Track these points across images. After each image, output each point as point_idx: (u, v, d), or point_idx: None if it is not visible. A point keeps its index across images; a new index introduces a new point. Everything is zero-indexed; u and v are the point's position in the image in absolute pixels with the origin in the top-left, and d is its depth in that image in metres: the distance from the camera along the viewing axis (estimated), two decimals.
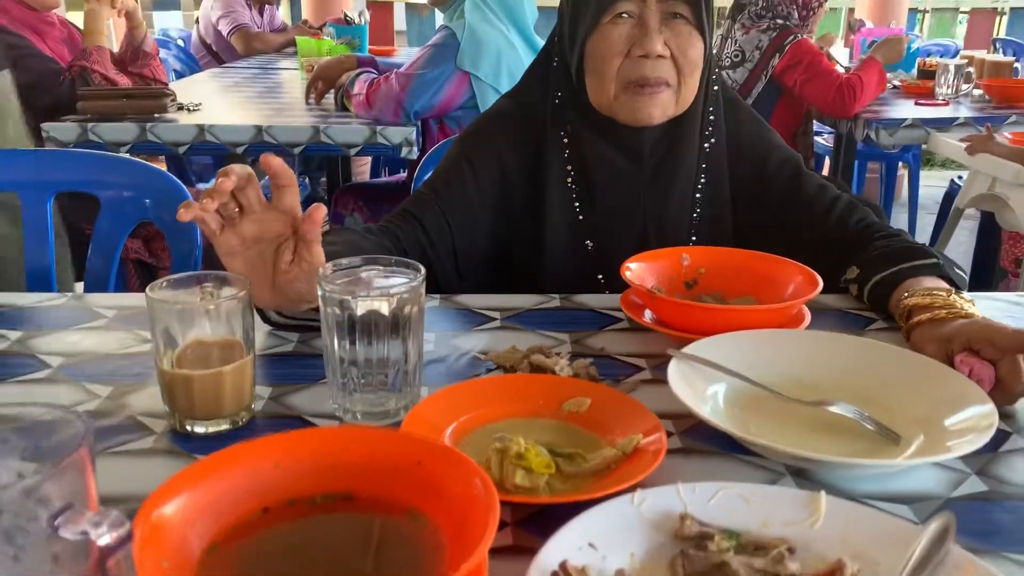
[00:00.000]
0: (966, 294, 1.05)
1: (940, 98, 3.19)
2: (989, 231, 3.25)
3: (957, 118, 2.93)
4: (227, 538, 0.61)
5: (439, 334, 1.07)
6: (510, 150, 1.32)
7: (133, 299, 1.18)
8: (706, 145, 1.32)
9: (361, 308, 0.83)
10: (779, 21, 2.99)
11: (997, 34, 6.81)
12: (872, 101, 3.02)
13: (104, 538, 0.43)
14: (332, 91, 2.74)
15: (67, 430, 0.48)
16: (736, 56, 3.03)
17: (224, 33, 4.54)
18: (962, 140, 2.62)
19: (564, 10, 1.31)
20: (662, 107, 1.23)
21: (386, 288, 0.85)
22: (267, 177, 0.93)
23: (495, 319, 1.13)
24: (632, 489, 0.69)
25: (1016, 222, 2.54)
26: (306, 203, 3.84)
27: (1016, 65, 3.47)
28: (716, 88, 1.33)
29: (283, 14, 6.38)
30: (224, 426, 0.84)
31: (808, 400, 0.86)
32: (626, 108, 1.23)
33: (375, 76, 2.57)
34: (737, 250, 1.17)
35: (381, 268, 0.90)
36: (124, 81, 2.79)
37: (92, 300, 1.18)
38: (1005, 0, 7.01)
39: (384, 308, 0.83)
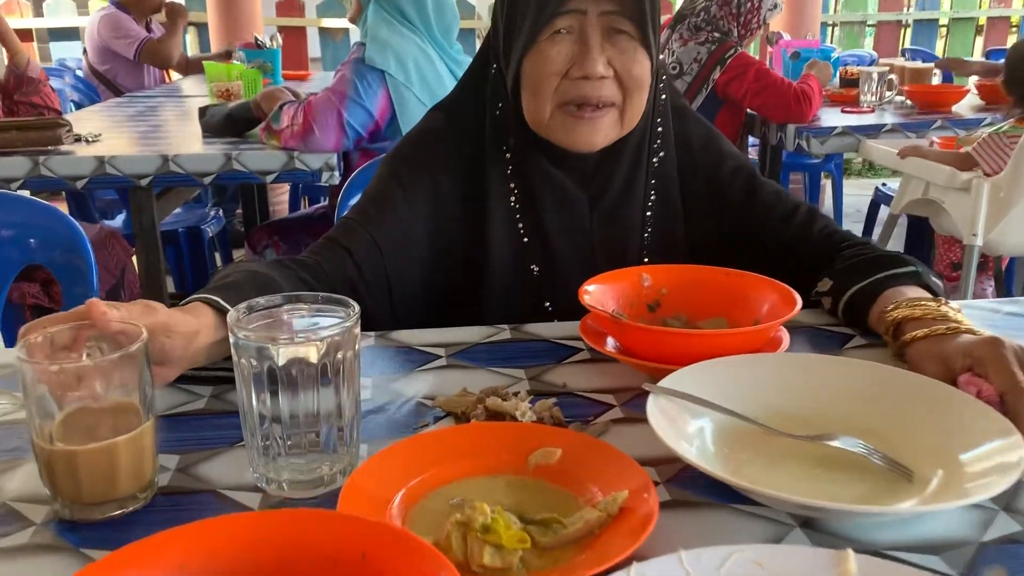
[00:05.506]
0: (953, 303, 0.97)
1: (865, 106, 3.19)
2: (919, 236, 3.27)
3: (884, 125, 2.92)
4: None
5: (376, 378, 0.94)
6: (445, 167, 1.19)
7: (8, 355, 1.01)
8: (654, 160, 1.22)
9: (284, 357, 0.69)
10: (717, 34, 2.95)
11: (903, 45, 7.00)
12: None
13: None
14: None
15: None
16: (674, 68, 2.98)
17: (131, 56, 4.29)
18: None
19: (498, 19, 1.18)
20: (604, 132, 1.12)
21: (313, 331, 0.71)
22: None
23: (439, 356, 1.00)
24: (626, 563, 0.57)
25: (951, 226, 2.53)
26: (221, 237, 3.62)
27: (936, 72, 3.52)
28: (664, 97, 1.23)
29: (191, 41, 6.15)
30: (119, 510, 0.69)
31: (806, 435, 0.76)
32: (563, 132, 1.12)
33: (299, 102, 2.41)
34: (701, 267, 1.07)
35: (306, 307, 0.76)
36: (16, 112, 2.58)
37: None
38: (908, 13, 7.23)
39: (312, 355, 0.69)
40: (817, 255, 1.16)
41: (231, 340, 0.70)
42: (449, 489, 0.70)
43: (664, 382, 0.80)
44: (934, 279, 1.05)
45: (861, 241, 1.17)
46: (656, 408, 0.76)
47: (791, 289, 0.98)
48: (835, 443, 0.74)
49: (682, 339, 0.90)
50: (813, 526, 0.67)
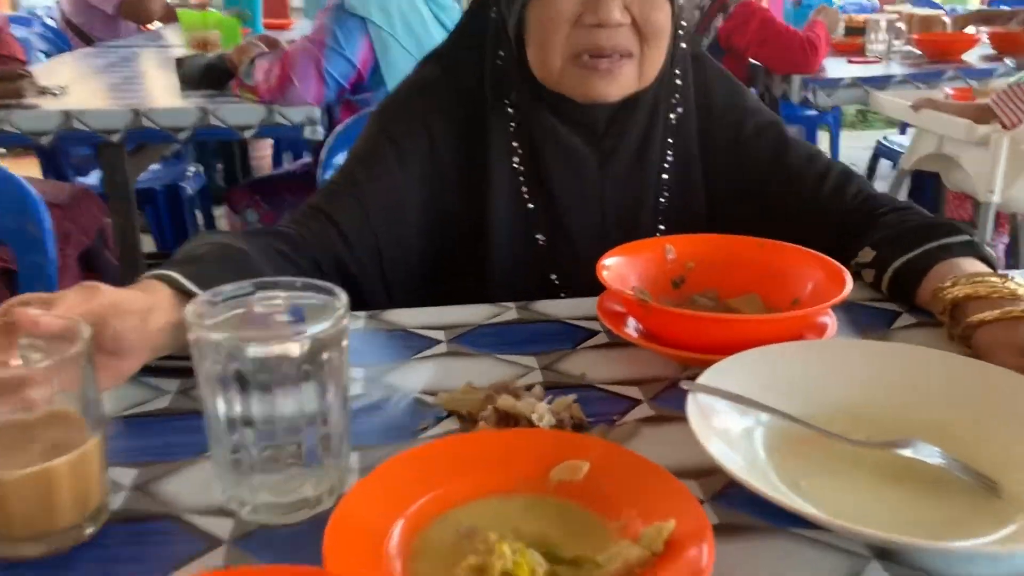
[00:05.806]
0: (1017, 276, 0.85)
1: (871, 55, 3.05)
2: (922, 192, 3.15)
3: (893, 76, 2.79)
4: None
5: (368, 369, 0.82)
6: (440, 121, 1.07)
7: None
8: (672, 116, 1.10)
9: (255, 360, 0.57)
10: None
11: None
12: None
13: None
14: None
15: None
16: None
17: (110, 11, 4.07)
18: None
19: None
20: (620, 84, 1.00)
21: (292, 327, 0.59)
22: None
23: (439, 341, 0.88)
24: None
25: (966, 182, 2.41)
26: (202, 195, 3.47)
27: (945, 19, 3.37)
28: (684, 46, 1.10)
29: None
30: (60, 545, 0.57)
31: (875, 442, 0.65)
32: (575, 83, 1.00)
33: (273, 53, 2.24)
34: (731, 236, 0.95)
35: (283, 294, 0.64)
36: None
37: None
38: None
39: (291, 356, 0.58)
40: (853, 222, 1.04)
41: (190, 338, 0.58)
42: (456, 513, 0.59)
43: (704, 377, 0.69)
44: (987, 248, 0.94)
45: (903, 206, 1.05)
46: (698, 412, 0.64)
47: (836, 263, 0.87)
48: (908, 452, 0.63)
49: (721, 325, 0.79)
50: (891, 558, 0.56)
